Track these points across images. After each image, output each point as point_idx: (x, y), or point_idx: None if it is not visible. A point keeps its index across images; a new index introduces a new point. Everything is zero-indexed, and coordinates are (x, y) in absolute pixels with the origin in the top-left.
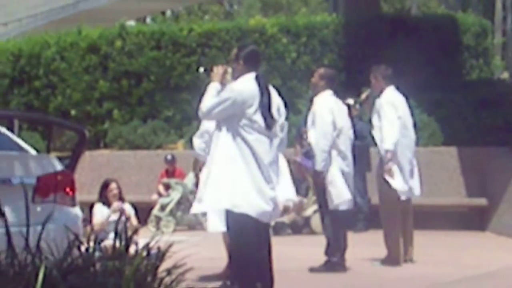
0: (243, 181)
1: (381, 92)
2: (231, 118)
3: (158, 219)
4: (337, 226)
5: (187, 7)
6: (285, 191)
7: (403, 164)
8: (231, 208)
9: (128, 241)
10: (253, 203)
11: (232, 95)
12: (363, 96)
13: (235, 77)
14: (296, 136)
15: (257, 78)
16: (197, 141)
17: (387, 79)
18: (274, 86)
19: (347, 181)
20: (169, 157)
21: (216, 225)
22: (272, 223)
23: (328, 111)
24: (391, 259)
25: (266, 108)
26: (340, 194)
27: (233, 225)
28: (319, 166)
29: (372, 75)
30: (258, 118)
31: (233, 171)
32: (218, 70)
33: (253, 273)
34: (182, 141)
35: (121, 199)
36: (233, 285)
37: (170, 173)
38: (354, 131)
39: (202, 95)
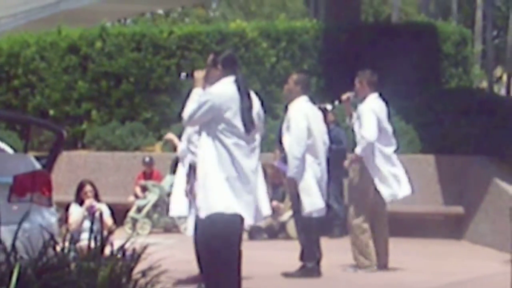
0: (220, 186)
1: (364, 98)
2: (210, 123)
3: (135, 221)
4: (310, 232)
5: (166, 9)
6: (264, 207)
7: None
8: (205, 213)
9: (104, 242)
10: (228, 205)
11: (209, 98)
12: (345, 96)
13: (211, 82)
14: (276, 141)
15: (236, 81)
16: (181, 145)
17: (372, 85)
18: (253, 91)
19: (320, 187)
20: (146, 159)
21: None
22: (248, 228)
23: (303, 117)
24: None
25: (247, 111)
26: (313, 202)
27: (205, 230)
28: (291, 172)
29: (357, 79)
30: (237, 122)
31: (210, 177)
32: (199, 75)
33: (225, 278)
34: (160, 143)
35: (97, 200)
36: None
37: (147, 175)
38: (330, 137)
39: (183, 98)
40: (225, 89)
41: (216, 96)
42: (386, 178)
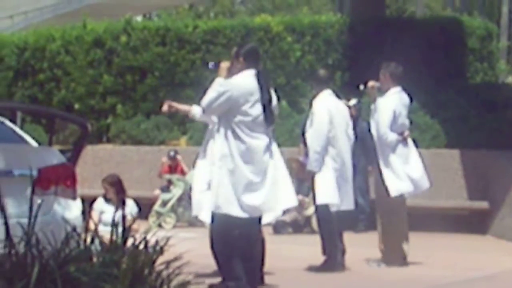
0: (231, 181)
1: (386, 90)
2: (227, 114)
3: (159, 215)
4: (329, 226)
5: (191, 3)
6: (286, 198)
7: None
8: (214, 210)
9: (126, 234)
10: (238, 201)
11: (228, 89)
12: (370, 84)
13: (234, 73)
14: (301, 135)
15: (257, 74)
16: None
17: (395, 78)
18: (278, 85)
19: (341, 180)
20: (171, 153)
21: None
22: (273, 222)
23: (325, 112)
24: (392, 259)
25: (267, 104)
26: (326, 194)
27: (218, 225)
28: (310, 166)
29: (381, 71)
30: (255, 114)
31: (222, 170)
32: (224, 65)
33: (240, 269)
34: (185, 137)
35: (123, 194)
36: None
37: (172, 169)
38: (355, 132)
39: (205, 91)
40: (244, 81)
41: (234, 88)
42: (398, 174)
